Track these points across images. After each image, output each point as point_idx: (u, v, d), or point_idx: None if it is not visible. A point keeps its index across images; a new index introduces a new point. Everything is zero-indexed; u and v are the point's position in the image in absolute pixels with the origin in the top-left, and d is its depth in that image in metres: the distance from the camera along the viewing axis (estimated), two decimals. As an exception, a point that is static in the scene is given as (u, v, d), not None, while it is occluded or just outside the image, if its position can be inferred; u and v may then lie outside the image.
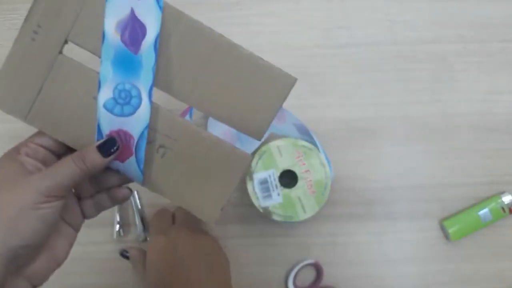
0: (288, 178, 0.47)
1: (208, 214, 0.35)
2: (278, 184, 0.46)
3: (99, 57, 0.32)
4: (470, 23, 0.54)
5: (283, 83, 0.33)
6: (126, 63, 0.32)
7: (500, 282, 0.51)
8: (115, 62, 0.31)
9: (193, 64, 0.32)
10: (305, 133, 0.49)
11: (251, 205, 0.46)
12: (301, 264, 0.49)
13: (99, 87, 0.32)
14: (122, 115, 0.32)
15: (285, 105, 0.34)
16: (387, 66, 0.53)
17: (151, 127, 0.33)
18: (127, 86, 0.32)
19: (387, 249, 0.51)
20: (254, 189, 0.46)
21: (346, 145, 0.52)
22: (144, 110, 0.32)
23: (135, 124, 0.33)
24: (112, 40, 0.31)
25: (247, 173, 0.47)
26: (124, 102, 0.32)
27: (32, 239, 0.30)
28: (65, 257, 0.34)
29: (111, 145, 0.32)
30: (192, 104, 0.33)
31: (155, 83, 0.32)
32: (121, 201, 0.36)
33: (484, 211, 0.50)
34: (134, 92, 0.32)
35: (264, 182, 0.47)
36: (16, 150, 0.32)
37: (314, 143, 0.48)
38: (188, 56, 0.32)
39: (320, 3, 0.54)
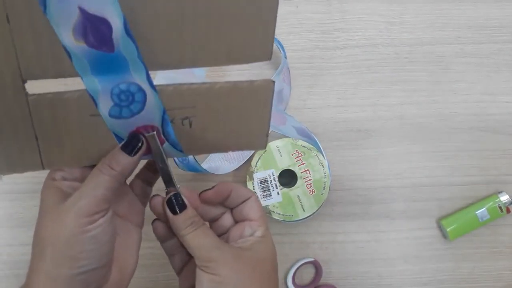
0: (288, 178, 0.48)
1: (259, 144, 0.35)
2: (278, 184, 0.47)
3: (71, 76, 0.28)
4: (467, 24, 0.55)
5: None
6: (107, 66, 0.27)
7: (498, 281, 0.51)
8: (95, 70, 0.27)
9: (171, 24, 0.28)
10: (304, 135, 0.49)
11: (251, 204, 0.46)
12: (300, 263, 0.50)
13: (96, 103, 0.29)
14: (133, 114, 0.30)
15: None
16: (385, 68, 0.54)
17: (166, 109, 0.30)
18: (123, 86, 0.28)
19: (386, 248, 0.51)
20: (253, 188, 0.47)
21: (345, 145, 0.52)
22: (152, 99, 0.29)
23: (151, 115, 0.30)
24: (78, 50, 0.26)
25: (247, 173, 0.47)
26: (128, 102, 0.29)
27: (93, 263, 0.29)
28: (135, 263, 0.33)
29: (135, 142, 0.30)
30: (192, 64, 0.30)
31: (149, 67, 0.29)
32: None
33: (481, 211, 0.50)
34: (133, 89, 0.29)
35: (263, 181, 0.47)
36: (51, 177, 0.31)
37: (314, 144, 0.48)
38: (162, 19, 0.28)
39: (319, 5, 0.55)
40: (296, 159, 0.47)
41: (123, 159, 0.29)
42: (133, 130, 0.30)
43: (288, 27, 0.54)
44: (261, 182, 0.47)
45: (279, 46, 0.50)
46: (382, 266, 0.51)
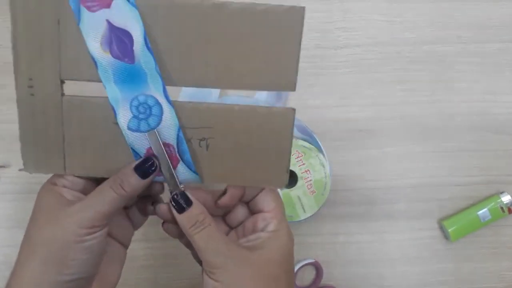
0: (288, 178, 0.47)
1: (278, 181, 0.33)
2: (278, 184, 0.47)
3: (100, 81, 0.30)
4: (469, 24, 0.55)
5: (291, 20, 0.30)
6: (128, 76, 0.30)
7: (499, 282, 0.51)
8: (118, 80, 0.30)
9: (191, 42, 0.30)
10: (306, 134, 0.49)
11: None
12: (301, 264, 0.49)
13: (114, 111, 0.30)
14: (150, 129, 0.31)
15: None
16: (386, 67, 0.54)
17: (183, 127, 0.31)
18: (141, 99, 0.30)
19: (387, 248, 0.51)
20: (254, 188, 0.46)
21: (346, 145, 0.52)
22: (168, 114, 0.31)
23: (167, 131, 0.31)
24: (104, 60, 0.29)
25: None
26: (146, 115, 0.30)
27: (82, 272, 0.29)
28: (117, 280, 0.33)
29: (148, 166, 0.30)
30: (212, 84, 0.31)
31: (166, 81, 0.30)
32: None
33: (483, 211, 0.50)
34: (150, 101, 0.30)
35: (264, 182, 0.47)
36: (52, 182, 0.31)
37: (315, 143, 0.48)
38: (182, 36, 0.30)
39: (320, 4, 0.55)
40: (296, 159, 0.47)
41: (135, 181, 0.30)
42: (149, 148, 0.31)
43: (289, 26, 0.54)
44: (261, 183, 0.47)
45: None
46: (383, 267, 0.51)
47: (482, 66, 0.54)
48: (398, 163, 0.52)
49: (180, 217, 0.31)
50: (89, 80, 0.30)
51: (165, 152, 0.31)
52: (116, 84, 0.30)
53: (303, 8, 0.29)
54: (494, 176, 0.52)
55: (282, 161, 0.33)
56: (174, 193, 0.31)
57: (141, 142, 0.31)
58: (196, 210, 0.31)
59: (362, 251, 0.51)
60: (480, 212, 0.50)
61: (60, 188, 0.31)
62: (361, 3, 0.55)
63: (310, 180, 0.47)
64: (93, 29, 0.29)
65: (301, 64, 0.30)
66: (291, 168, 0.47)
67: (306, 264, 0.50)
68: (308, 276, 0.51)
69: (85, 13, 0.28)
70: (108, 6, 0.28)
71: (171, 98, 0.31)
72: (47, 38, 0.29)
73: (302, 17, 0.30)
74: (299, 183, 0.47)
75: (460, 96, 0.53)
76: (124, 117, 0.30)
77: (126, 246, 0.35)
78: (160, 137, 0.31)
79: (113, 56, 0.29)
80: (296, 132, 0.49)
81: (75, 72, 0.30)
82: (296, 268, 0.49)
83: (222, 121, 0.32)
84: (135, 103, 0.30)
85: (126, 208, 0.35)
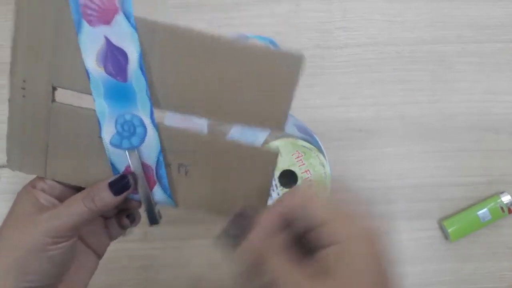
0: (288, 178, 0.47)
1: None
2: (278, 184, 0.47)
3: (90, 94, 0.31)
4: (469, 23, 0.55)
5: (289, 65, 0.29)
6: (118, 94, 0.30)
7: (500, 282, 0.51)
8: (107, 96, 0.30)
9: (185, 71, 0.30)
10: (306, 134, 0.49)
11: (251, 204, 0.46)
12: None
13: (99, 125, 0.31)
14: (131, 147, 0.31)
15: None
16: (386, 67, 0.54)
17: (164, 150, 0.32)
18: (128, 117, 0.31)
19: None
20: (254, 189, 0.46)
21: (346, 145, 0.52)
22: (152, 137, 0.31)
23: (148, 153, 0.31)
24: (97, 75, 0.30)
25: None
26: (129, 134, 0.31)
27: (42, 280, 0.29)
28: None
29: (124, 184, 0.31)
30: (200, 114, 0.31)
31: (155, 104, 0.31)
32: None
33: (483, 211, 0.50)
34: (136, 121, 0.31)
35: (264, 182, 0.47)
36: (32, 184, 0.32)
37: (315, 143, 0.48)
38: (177, 64, 0.30)
39: (320, 4, 0.55)
40: (296, 159, 0.47)
41: (107, 197, 0.30)
42: (128, 166, 0.32)
43: (289, 26, 0.54)
44: (261, 183, 0.47)
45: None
46: (383, 267, 0.51)
47: (482, 66, 0.54)
48: (398, 163, 0.52)
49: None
50: (80, 91, 0.30)
51: (143, 172, 0.32)
52: (105, 100, 0.30)
53: (302, 56, 0.29)
54: (494, 176, 0.52)
55: (260, 200, 0.33)
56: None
57: (121, 159, 0.31)
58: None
59: (362, 251, 0.51)
60: (480, 212, 0.50)
61: (37, 192, 0.31)
62: (361, 3, 0.55)
63: (310, 180, 0.47)
64: (90, 43, 0.29)
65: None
66: (291, 168, 0.47)
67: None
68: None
69: (85, 26, 0.29)
70: (108, 23, 0.29)
71: (157, 120, 0.31)
72: (45, 44, 0.29)
73: (301, 64, 0.29)
74: (299, 183, 0.47)
75: (460, 96, 0.53)
76: (108, 132, 0.31)
77: (99, 255, 0.35)
78: (140, 157, 0.31)
79: (106, 72, 0.29)
80: (296, 132, 0.49)
81: (67, 81, 0.30)
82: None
83: (205, 150, 0.32)
84: (120, 120, 0.31)
85: (106, 218, 0.35)
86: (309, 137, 0.49)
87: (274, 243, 0.26)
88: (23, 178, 0.51)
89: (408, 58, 0.54)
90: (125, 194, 0.31)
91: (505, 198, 0.50)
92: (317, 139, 0.48)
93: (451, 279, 0.51)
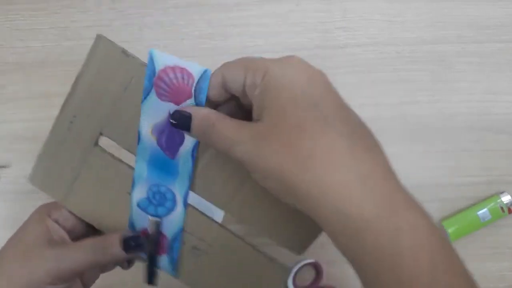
0: None
1: None
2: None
3: (134, 155, 0.31)
4: (469, 23, 0.55)
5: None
6: (162, 166, 0.30)
7: (500, 282, 0.51)
8: (151, 163, 0.30)
9: (228, 175, 0.31)
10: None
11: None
12: (300, 264, 0.49)
13: (133, 185, 0.31)
14: (155, 215, 0.32)
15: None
16: (386, 67, 0.53)
17: (185, 229, 0.32)
18: (162, 189, 0.31)
19: (387, 248, 0.51)
20: (254, 189, 0.46)
21: (346, 145, 0.52)
22: (178, 214, 0.32)
23: (169, 225, 0.32)
24: (148, 142, 0.30)
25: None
26: (158, 203, 0.31)
27: None
28: None
29: (137, 244, 0.31)
30: (231, 212, 0.32)
31: (192, 187, 0.31)
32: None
33: (483, 211, 0.50)
34: (168, 195, 0.31)
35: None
36: (47, 210, 0.32)
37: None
38: (223, 168, 0.30)
39: (320, 4, 0.55)
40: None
41: (117, 252, 0.30)
42: (145, 229, 0.32)
43: (289, 26, 0.54)
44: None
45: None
46: (383, 267, 0.51)
47: (482, 66, 0.54)
48: (398, 163, 0.52)
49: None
50: (125, 148, 0.31)
51: (158, 239, 0.33)
52: (148, 165, 0.30)
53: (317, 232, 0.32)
54: (494, 176, 0.52)
55: None
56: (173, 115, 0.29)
57: (141, 220, 0.32)
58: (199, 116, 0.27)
59: (362, 251, 0.51)
60: (480, 212, 0.50)
61: (50, 222, 0.31)
62: (361, 3, 0.55)
63: (310, 180, 0.47)
64: (153, 113, 0.28)
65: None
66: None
67: (306, 264, 0.50)
68: (308, 276, 0.51)
69: (153, 96, 0.28)
70: (177, 103, 0.28)
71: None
72: (109, 94, 0.29)
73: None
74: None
75: (460, 96, 0.53)
76: (139, 193, 0.31)
77: (87, 286, 0.35)
78: (159, 226, 0.32)
79: (158, 143, 0.29)
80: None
81: (116, 135, 0.30)
82: (296, 268, 0.49)
83: (222, 247, 0.33)
84: (154, 188, 0.31)
85: None
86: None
87: (220, 111, 0.27)
88: (23, 178, 0.51)
89: (408, 58, 0.54)
90: (133, 253, 0.31)
91: (505, 198, 0.50)
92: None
93: (451, 279, 0.51)
